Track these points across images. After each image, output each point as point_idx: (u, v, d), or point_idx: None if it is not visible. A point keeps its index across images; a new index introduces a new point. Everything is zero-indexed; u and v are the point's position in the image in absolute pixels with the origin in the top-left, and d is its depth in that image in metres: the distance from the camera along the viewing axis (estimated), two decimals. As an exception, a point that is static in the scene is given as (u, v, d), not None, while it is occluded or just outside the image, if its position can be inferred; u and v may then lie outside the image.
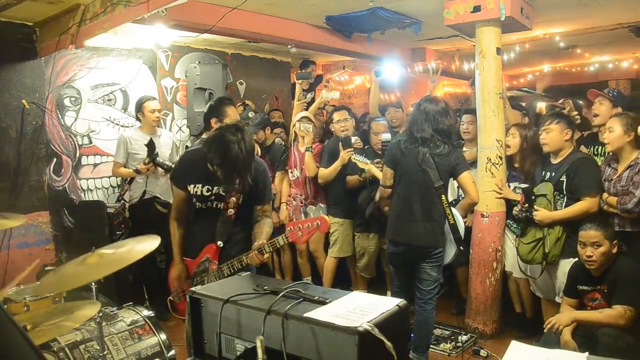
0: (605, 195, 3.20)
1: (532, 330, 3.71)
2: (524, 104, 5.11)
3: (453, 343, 3.76)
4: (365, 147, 4.36)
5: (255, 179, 2.60)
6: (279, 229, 4.51)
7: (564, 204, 3.30)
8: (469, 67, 6.15)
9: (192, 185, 2.68)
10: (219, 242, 2.65)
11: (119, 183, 4.63)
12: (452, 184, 3.78)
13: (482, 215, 3.86)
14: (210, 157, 2.48)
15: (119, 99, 4.88)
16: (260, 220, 2.71)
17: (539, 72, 7.63)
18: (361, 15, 4.39)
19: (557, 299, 3.34)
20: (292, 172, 4.57)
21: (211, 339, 1.95)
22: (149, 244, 2.18)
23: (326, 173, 4.24)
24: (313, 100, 5.76)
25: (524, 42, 5.56)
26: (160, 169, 4.19)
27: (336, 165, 4.15)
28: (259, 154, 4.31)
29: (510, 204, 3.79)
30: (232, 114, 3.14)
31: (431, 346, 3.56)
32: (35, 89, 4.33)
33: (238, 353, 1.84)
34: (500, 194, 3.78)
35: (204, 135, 3.36)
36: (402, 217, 3.32)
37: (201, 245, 2.73)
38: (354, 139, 4.20)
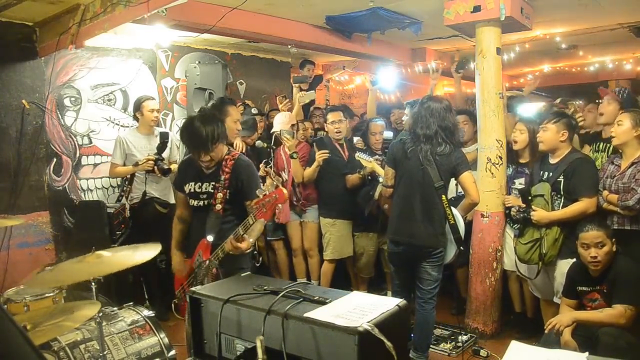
0: (605, 193, 3.18)
1: (532, 330, 3.71)
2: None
3: (453, 343, 3.76)
4: (364, 147, 4.37)
5: (239, 174, 2.74)
6: (280, 225, 4.55)
7: (561, 204, 3.30)
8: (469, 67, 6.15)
9: (187, 185, 2.86)
10: (208, 237, 2.73)
11: (118, 183, 4.63)
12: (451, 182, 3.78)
13: (482, 215, 3.86)
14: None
15: (119, 99, 4.88)
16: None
17: (539, 72, 7.63)
18: (361, 15, 4.38)
19: (556, 300, 3.34)
20: (280, 175, 4.52)
21: (211, 339, 1.95)
22: (149, 251, 2.22)
23: (305, 174, 4.27)
24: (313, 101, 5.77)
25: (524, 42, 5.56)
26: (157, 171, 4.14)
27: (313, 167, 4.17)
28: (245, 151, 4.31)
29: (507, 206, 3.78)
30: (235, 113, 3.17)
31: (431, 346, 3.56)
32: (35, 89, 4.33)
33: (238, 353, 1.85)
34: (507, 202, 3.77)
35: None
36: (402, 217, 3.32)
37: (195, 244, 2.84)
38: (355, 139, 4.20)
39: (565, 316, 2.79)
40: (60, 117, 4.50)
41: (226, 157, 2.78)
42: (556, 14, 4.57)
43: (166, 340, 2.77)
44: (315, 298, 1.78)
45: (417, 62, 6.27)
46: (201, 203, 2.81)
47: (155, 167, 4.09)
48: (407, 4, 4.17)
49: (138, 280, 4.32)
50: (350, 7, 4.30)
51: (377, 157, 4.05)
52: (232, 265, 2.68)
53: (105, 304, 2.79)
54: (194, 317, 1.99)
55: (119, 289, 3.99)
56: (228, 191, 2.74)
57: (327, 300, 1.77)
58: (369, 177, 4.11)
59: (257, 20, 4.39)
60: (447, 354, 3.66)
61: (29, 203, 4.30)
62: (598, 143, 3.78)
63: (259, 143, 4.50)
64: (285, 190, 2.43)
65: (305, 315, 1.66)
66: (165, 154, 4.30)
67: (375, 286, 4.67)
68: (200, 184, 2.81)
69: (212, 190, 2.77)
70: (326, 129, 4.51)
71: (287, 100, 5.21)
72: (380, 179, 3.81)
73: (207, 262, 2.73)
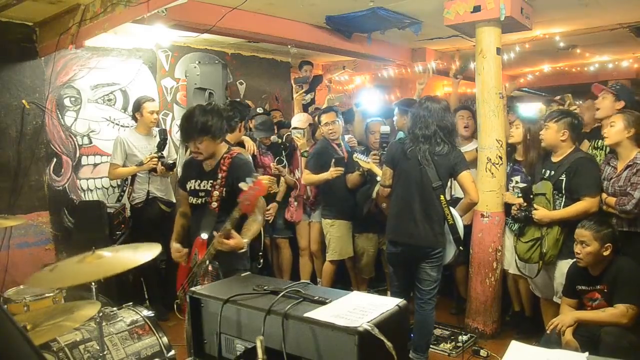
0: (604, 195, 3.18)
1: (532, 330, 3.71)
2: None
3: (453, 343, 3.76)
4: (363, 147, 4.37)
5: (235, 172, 2.74)
6: (290, 224, 4.59)
7: (563, 203, 3.29)
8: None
9: (189, 183, 2.89)
10: (202, 235, 2.72)
11: (119, 183, 4.63)
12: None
13: (482, 215, 3.86)
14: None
15: (119, 99, 4.88)
16: (250, 217, 2.76)
17: (539, 72, 7.63)
18: (361, 15, 4.38)
19: (556, 299, 3.33)
20: (294, 173, 4.57)
21: (211, 339, 1.95)
22: (149, 251, 2.21)
23: (309, 180, 4.26)
24: (313, 100, 5.77)
25: (524, 42, 5.55)
26: (161, 168, 4.17)
27: (321, 177, 4.13)
28: (255, 152, 4.33)
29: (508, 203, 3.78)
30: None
31: (431, 346, 3.56)
32: (35, 89, 4.33)
33: (238, 353, 1.85)
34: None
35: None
36: (401, 217, 3.32)
37: (192, 243, 2.84)
38: (347, 137, 4.18)
39: (567, 316, 2.79)
40: (60, 117, 4.50)
41: (225, 155, 2.80)
42: (556, 14, 4.56)
43: (165, 340, 2.77)
44: (315, 298, 1.78)
45: (417, 62, 6.27)
46: (199, 201, 2.83)
47: (160, 163, 4.12)
48: (407, 4, 4.17)
49: (138, 280, 4.32)
50: (350, 7, 4.30)
51: (374, 152, 4.05)
52: (228, 266, 2.66)
53: (105, 304, 2.78)
54: (194, 317, 1.99)
55: (119, 289, 4.00)
56: (224, 189, 2.74)
57: (327, 300, 1.76)
58: (368, 175, 4.10)
59: (257, 20, 4.39)
60: (447, 354, 3.66)
61: (29, 203, 4.30)
62: (597, 140, 3.78)
63: (274, 138, 4.57)
64: (265, 182, 2.44)
65: (305, 315, 1.65)
66: (164, 153, 4.31)
67: (376, 286, 4.67)
68: (200, 181, 2.84)
69: (210, 189, 2.79)
70: (320, 131, 4.48)
71: (302, 90, 5.25)
72: (378, 179, 3.81)
73: (202, 260, 2.71)
